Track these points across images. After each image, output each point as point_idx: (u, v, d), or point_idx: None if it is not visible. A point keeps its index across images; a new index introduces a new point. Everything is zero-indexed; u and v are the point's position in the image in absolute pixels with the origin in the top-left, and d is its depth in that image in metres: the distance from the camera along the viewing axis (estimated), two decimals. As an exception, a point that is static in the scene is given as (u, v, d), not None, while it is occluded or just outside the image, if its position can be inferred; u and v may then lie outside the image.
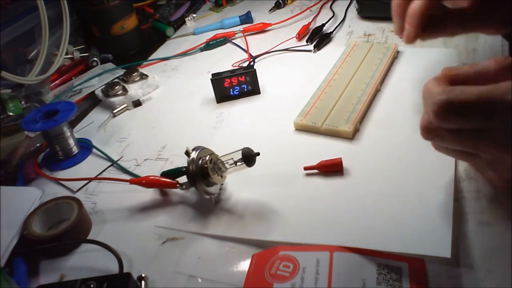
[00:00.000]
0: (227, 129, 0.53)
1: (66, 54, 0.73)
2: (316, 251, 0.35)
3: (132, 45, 0.80)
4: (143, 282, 0.35)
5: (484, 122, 0.29)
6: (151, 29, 0.87)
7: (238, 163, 0.40)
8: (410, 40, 0.44)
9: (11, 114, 0.62)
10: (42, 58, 0.66)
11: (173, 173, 0.45)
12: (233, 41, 0.75)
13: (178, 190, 0.45)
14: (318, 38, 0.67)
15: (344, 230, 0.37)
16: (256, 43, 0.72)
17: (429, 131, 0.32)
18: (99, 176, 0.50)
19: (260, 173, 0.44)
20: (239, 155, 0.40)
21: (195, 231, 0.40)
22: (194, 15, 0.87)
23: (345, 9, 0.75)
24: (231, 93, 0.58)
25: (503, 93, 0.28)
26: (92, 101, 0.66)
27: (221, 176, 0.42)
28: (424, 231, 0.35)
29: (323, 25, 0.71)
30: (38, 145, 0.57)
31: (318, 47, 0.65)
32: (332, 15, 0.74)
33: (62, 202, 0.44)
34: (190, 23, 0.86)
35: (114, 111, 0.61)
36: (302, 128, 0.49)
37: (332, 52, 0.63)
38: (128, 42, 0.79)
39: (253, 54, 0.67)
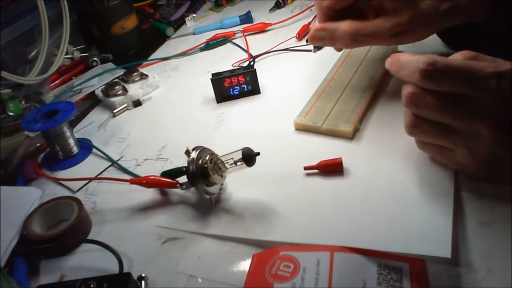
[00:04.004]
0: (227, 129, 0.53)
1: (66, 54, 0.73)
2: (316, 251, 0.35)
3: (132, 45, 0.80)
4: (143, 282, 0.35)
5: (465, 87, 0.32)
6: (151, 29, 0.87)
7: (238, 163, 0.40)
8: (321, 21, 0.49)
9: (11, 114, 0.62)
10: (42, 58, 0.66)
11: (173, 173, 0.45)
12: (233, 41, 0.75)
13: (178, 190, 0.45)
14: (318, 38, 0.67)
15: (344, 230, 0.37)
16: (256, 43, 0.72)
17: (413, 97, 0.35)
18: (99, 176, 0.50)
19: (260, 173, 0.44)
20: (239, 155, 0.40)
21: (195, 231, 0.40)
22: (194, 15, 0.87)
23: (345, 9, 0.75)
24: (231, 93, 0.58)
25: (484, 66, 0.32)
26: (92, 101, 0.66)
27: (221, 176, 0.42)
28: (424, 231, 0.35)
29: (323, 25, 0.71)
30: (38, 145, 0.57)
31: (318, 47, 0.65)
32: (332, 15, 0.74)
33: (62, 202, 0.44)
34: (190, 23, 0.86)
35: (114, 111, 0.61)
36: (302, 128, 0.49)
37: (332, 52, 0.63)
38: (128, 42, 0.79)
39: (253, 54, 0.67)
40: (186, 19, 0.86)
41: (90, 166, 0.52)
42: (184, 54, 0.74)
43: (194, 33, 0.81)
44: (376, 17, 0.45)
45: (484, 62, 0.32)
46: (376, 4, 0.45)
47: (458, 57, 0.35)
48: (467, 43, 0.36)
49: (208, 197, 0.42)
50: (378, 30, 0.45)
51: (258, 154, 0.40)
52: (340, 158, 0.43)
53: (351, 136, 0.46)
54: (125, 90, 0.63)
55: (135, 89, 0.64)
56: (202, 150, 0.42)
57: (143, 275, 0.36)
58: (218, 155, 0.42)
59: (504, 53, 0.34)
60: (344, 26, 0.46)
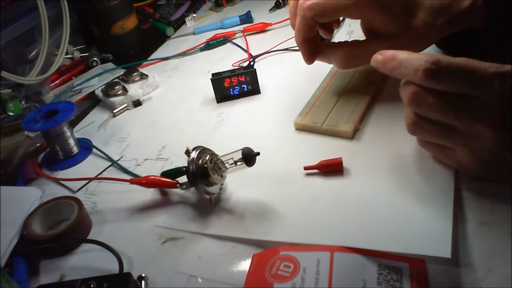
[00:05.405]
0: (227, 129, 0.53)
1: (66, 54, 0.73)
2: (316, 251, 0.35)
3: (132, 45, 0.80)
4: (143, 282, 0.35)
5: (468, 87, 0.32)
6: (151, 29, 0.88)
7: (238, 163, 0.40)
8: (308, 63, 0.51)
9: (11, 114, 0.62)
10: (42, 58, 0.66)
11: (173, 173, 0.45)
12: (233, 41, 0.75)
13: (178, 190, 0.45)
14: (318, 38, 0.67)
15: (344, 230, 0.37)
16: (256, 43, 0.72)
17: (415, 96, 0.34)
18: (99, 176, 0.50)
19: (260, 173, 0.44)
20: (239, 155, 0.40)
21: (195, 231, 0.40)
22: (194, 15, 0.87)
23: (345, 9, 0.75)
24: (231, 93, 0.58)
25: (487, 66, 0.32)
26: (92, 101, 0.66)
27: (221, 176, 0.42)
28: (424, 231, 0.35)
29: (323, 25, 0.71)
30: (38, 145, 0.57)
31: (318, 47, 0.65)
32: (332, 15, 0.74)
33: (62, 202, 0.44)
34: (190, 23, 0.86)
35: (114, 111, 0.61)
36: (302, 128, 0.49)
37: (332, 52, 0.63)
38: (128, 42, 0.80)
39: (253, 54, 0.67)
40: (186, 19, 0.86)
41: (90, 166, 0.52)
42: (184, 54, 0.74)
43: (194, 33, 0.81)
44: (371, 39, 0.46)
45: (486, 63, 0.32)
46: (367, 28, 0.46)
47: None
48: (463, 49, 0.35)
49: (208, 197, 0.42)
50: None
51: (258, 154, 0.40)
52: (340, 158, 0.43)
53: (351, 136, 0.46)
54: (125, 90, 0.63)
55: (135, 89, 0.64)
56: (202, 150, 0.42)
57: (143, 275, 0.36)
58: (218, 155, 0.42)
59: (501, 57, 0.34)
60: (339, 52, 0.48)
